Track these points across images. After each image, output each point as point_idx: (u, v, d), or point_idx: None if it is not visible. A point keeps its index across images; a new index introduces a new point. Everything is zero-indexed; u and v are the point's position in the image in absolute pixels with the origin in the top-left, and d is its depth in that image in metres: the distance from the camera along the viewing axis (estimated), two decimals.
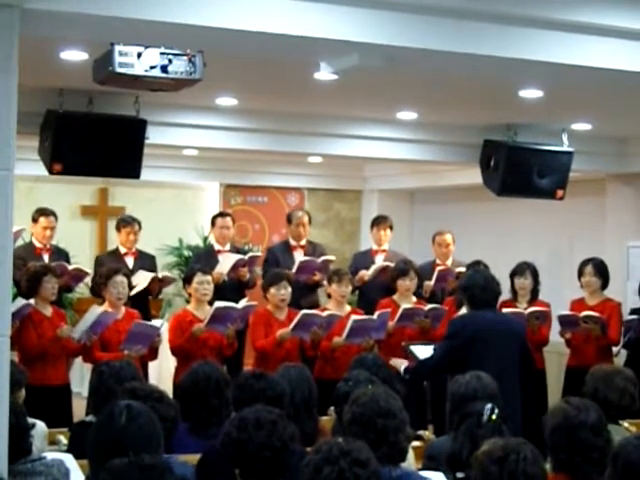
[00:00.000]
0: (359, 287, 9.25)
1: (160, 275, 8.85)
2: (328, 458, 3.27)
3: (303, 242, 9.45)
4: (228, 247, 9.26)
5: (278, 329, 7.71)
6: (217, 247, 9.25)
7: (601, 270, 8.38)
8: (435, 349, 6.49)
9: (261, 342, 7.71)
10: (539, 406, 6.58)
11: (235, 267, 8.71)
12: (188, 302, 8.64)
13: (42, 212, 8.93)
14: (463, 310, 7.71)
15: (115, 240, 9.50)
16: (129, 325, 7.41)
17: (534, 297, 8.37)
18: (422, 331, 8.11)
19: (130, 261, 8.95)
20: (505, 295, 8.13)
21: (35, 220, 8.89)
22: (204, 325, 7.52)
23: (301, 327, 7.65)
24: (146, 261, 9.04)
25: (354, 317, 7.81)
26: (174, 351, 7.70)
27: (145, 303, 8.66)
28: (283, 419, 3.88)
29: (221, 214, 9.67)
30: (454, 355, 6.16)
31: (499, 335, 6.25)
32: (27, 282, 7.53)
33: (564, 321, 8.19)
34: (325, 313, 7.83)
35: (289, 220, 9.58)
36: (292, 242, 9.46)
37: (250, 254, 9.17)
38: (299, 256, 9.15)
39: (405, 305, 8.13)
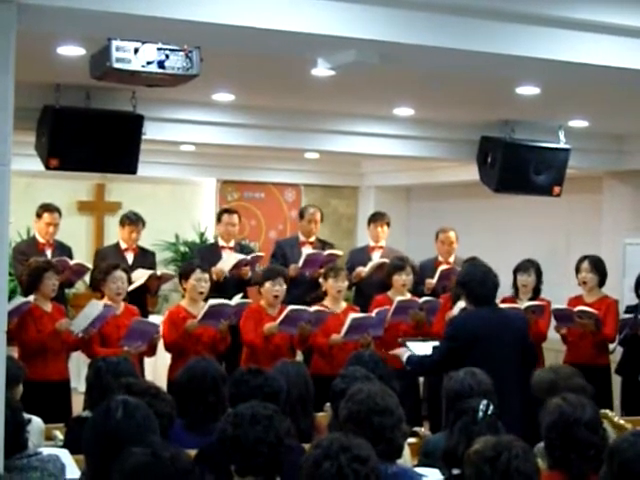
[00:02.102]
0: (356, 283, 9.24)
1: (159, 273, 8.84)
2: (328, 453, 3.27)
3: (312, 239, 9.42)
4: (232, 244, 9.25)
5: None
6: (221, 243, 9.23)
7: (598, 266, 8.37)
8: (434, 348, 6.47)
9: (250, 336, 7.71)
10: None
11: (237, 266, 8.71)
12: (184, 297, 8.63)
13: (46, 208, 8.88)
14: (459, 305, 7.75)
15: (112, 235, 9.50)
16: (128, 321, 7.42)
17: (536, 295, 8.37)
18: (417, 325, 8.13)
19: (130, 257, 8.96)
20: (507, 291, 8.15)
21: (39, 216, 8.85)
22: (197, 321, 7.52)
23: (289, 322, 7.64)
24: (146, 258, 9.04)
25: (353, 316, 7.80)
26: (168, 347, 7.69)
27: (142, 300, 8.66)
28: (278, 414, 3.89)
29: (228, 210, 9.57)
30: (452, 356, 6.14)
31: (499, 335, 6.21)
32: (28, 277, 7.53)
33: (559, 316, 8.20)
34: (313, 308, 7.81)
35: (301, 215, 9.54)
36: (302, 238, 9.43)
37: (253, 254, 9.14)
38: (305, 252, 9.12)
39: (399, 298, 8.14)
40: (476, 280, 6.33)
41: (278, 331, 7.66)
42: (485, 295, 6.33)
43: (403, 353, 6.69)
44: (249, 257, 8.87)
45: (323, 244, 9.43)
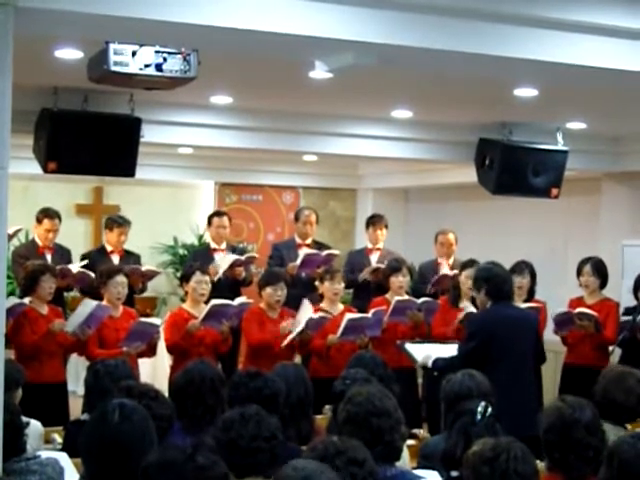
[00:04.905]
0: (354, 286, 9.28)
1: (143, 268, 8.83)
2: (324, 457, 3.27)
3: (309, 241, 9.43)
4: (224, 246, 9.26)
5: (270, 327, 7.74)
6: (213, 246, 9.26)
7: (600, 270, 8.35)
8: (459, 348, 6.48)
9: (258, 336, 7.71)
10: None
11: (231, 267, 8.72)
12: (183, 300, 8.62)
13: (46, 214, 8.85)
14: (468, 306, 7.78)
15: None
16: (127, 324, 7.44)
17: (530, 296, 8.36)
18: (415, 326, 8.14)
19: (116, 259, 8.94)
20: None
21: (39, 221, 8.83)
22: (199, 322, 7.53)
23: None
24: (131, 260, 9.02)
25: (349, 316, 7.81)
26: (170, 349, 7.70)
27: (130, 300, 8.63)
28: (264, 412, 3.92)
29: (218, 213, 9.66)
30: (474, 354, 6.17)
31: (517, 332, 6.32)
32: (24, 280, 7.54)
33: (559, 321, 8.19)
34: (316, 315, 7.82)
35: (296, 218, 9.57)
36: (298, 240, 9.44)
37: (247, 255, 9.16)
38: (303, 253, 9.11)
39: (398, 298, 8.15)
40: (501, 277, 6.41)
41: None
42: (507, 291, 6.43)
43: (427, 360, 6.72)
44: (243, 257, 8.89)
45: (319, 246, 9.43)
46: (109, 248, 9.07)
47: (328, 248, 9.45)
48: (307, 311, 7.83)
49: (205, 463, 3.08)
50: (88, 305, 7.33)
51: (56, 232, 8.88)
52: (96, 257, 8.87)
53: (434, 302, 8.31)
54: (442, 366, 6.52)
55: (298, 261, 8.86)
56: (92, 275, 8.37)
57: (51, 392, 7.32)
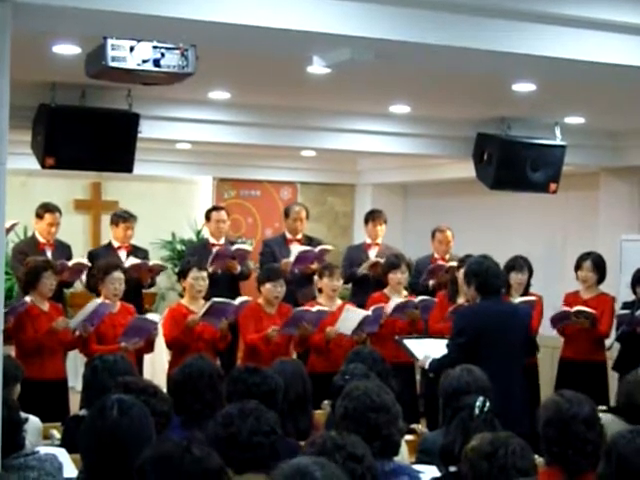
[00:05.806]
0: (350, 280, 9.28)
1: (150, 263, 8.83)
2: (323, 452, 3.26)
3: (299, 236, 9.43)
4: (223, 241, 9.26)
5: (268, 323, 7.73)
6: (212, 241, 9.25)
7: (599, 265, 8.37)
8: (448, 346, 6.45)
9: (252, 337, 7.71)
10: (531, 399, 6.60)
11: (220, 257, 8.70)
12: (181, 296, 8.62)
13: (47, 208, 8.81)
14: (459, 302, 7.77)
15: (109, 234, 9.46)
16: (125, 319, 7.44)
17: (526, 290, 8.37)
18: (411, 323, 8.15)
19: (123, 255, 8.92)
20: None
21: (40, 216, 8.78)
22: (199, 317, 7.53)
23: (291, 323, 7.67)
24: (139, 255, 9.02)
25: (357, 315, 7.84)
26: (169, 344, 7.71)
27: (139, 295, 8.64)
28: (263, 407, 3.91)
29: (215, 208, 9.67)
30: (464, 351, 6.15)
31: (506, 328, 6.28)
32: (25, 276, 7.52)
33: (555, 320, 8.20)
34: (315, 308, 7.82)
35: (286, 214, 9.56)
36: (288, 235, 9.44)
37: (237, 246, 9.14)
38: (295, 249, 9.12)
39: (396, 298, 8.15)
40: (490, 271, 6.36)
41: (280, 334, 7.67)
42: (498, 286, 6.40)
43: (426, 360, 6.71)
44: (233, 248, 8.88)
45: (310, 240, 9.44)
46: (116, 244, 9.04)
47: (319, 242, 9.46)
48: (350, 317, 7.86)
49: (201, 455, 3.08)
50: (92, 303, 7.35)
51: (58, 226, 8.84)
52: (103, 254, 8.83)
53: (431, 300, 8.31)
54: (436, 367, 6.51)
55: (292, 258, 8.85)
56: (88, 264, 8.34)
57: (52, 388, 7.32)
